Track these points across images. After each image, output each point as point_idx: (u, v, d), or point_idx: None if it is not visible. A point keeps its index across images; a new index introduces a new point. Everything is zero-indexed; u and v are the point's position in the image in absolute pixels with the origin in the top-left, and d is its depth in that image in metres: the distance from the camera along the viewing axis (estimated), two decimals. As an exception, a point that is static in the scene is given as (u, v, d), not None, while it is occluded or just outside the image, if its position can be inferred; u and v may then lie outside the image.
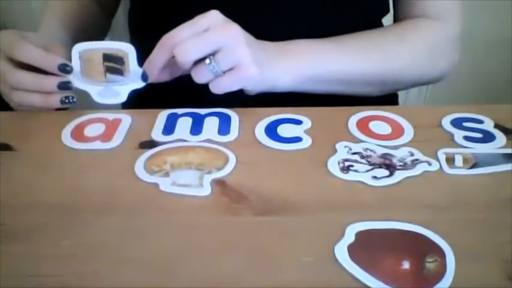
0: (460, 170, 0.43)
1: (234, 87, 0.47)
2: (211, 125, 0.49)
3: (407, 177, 0.42)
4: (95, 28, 0.68)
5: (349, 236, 0.36)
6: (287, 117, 0.50)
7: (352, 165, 0.43)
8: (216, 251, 0.35)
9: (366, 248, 0.35)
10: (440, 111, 0.52)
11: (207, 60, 0.46)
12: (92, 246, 0.35)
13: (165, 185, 0.41)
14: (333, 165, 0.43)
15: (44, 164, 0.44)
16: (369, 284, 0.32)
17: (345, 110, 0.52)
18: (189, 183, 0.41)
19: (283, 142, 0.47)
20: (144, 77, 0.49)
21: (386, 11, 0.63)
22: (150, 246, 0.35)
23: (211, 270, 0.33)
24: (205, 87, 0.49)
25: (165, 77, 0.50)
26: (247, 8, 0.53)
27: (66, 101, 0.49)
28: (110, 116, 0.51)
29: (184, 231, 0.37)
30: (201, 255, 0.35)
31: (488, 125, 0.50)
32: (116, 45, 0.49)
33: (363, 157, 0.45)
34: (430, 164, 0.44)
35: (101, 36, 0.71)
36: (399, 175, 0.42)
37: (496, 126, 0.49)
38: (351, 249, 0.35)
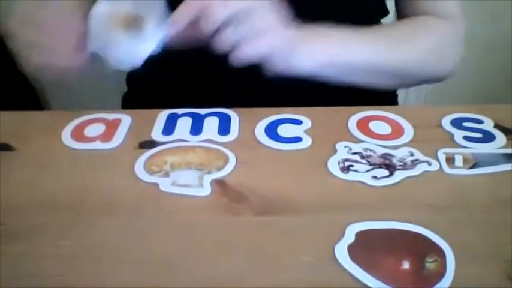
0: (460, 170, 0.43)
1: (256, 55, 0.46)
2: (211, 125, 0.49)
3: (407, 177, 0.42)
4: None
5: (349, 236, 0.36)
6: (287, 117, 0.50)
7: (352, 165, 0.43)
8: (216, 251, 0.35)
9: (366, 248, 0.35)
10: (440, 111, 0.52)
11: (237, 26, 0.45)
12: (92, 246, 0.35)
13: (165, 185, 0.41)
14: (333, 165, 0.43)
15: (44, 164, 0.44)
16: (369, 284, 0.32)
17: (345, 110, 0.52)
18: (189, 183, 0.41)
19: (283, 142, 0.47)
20: (165, 38, 0.46)
21: (386, 13, 0.63)
22: (150, 246, 0.35)
23: (211, 270, 0.33)
24: (205, 87, 0.49)
25: (183, 38, 0.47)
26: None
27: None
28: (110, 116, 0.51)
29: (184, 231, 0.37)
30: (201, 255, 0.35)
31: (488, 125, 0.50)
32: (139, 4, 0.46)
33: (363, 157, 0.45)
34: (430, 164, 0.44)
35: None
36: (399, 175, 0.42)
37: (496, 126, 0.49)
38: (351, 249, 0.35)
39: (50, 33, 0.46)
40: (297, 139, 0.47)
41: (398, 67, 0.55)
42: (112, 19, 0.46)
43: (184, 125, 0.49)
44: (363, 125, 0.49)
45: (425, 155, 0.45)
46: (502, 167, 0.44)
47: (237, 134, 0.48)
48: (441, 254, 0.34)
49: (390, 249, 0.35)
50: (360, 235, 0.36)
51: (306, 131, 0.48)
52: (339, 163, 0.44)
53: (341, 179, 0.42)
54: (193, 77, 0.56)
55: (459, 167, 0.44)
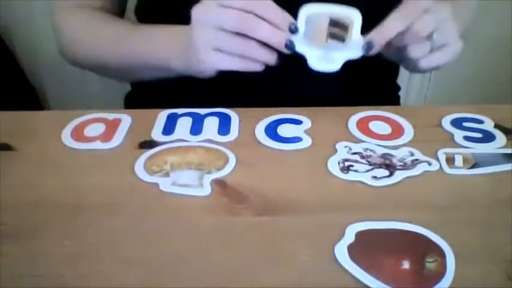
0: (460, 170, 0.43)
1: (443, 61, 0.50)
2: (211, 125, 0.49)
3: (407, 177, 0.42)
4: None
5: (349, 236, 0.36)
6: (287, 117, 0.50)
7: (352, 165, 0.43)
8: (216, 251, 0.35)
9: (366, 248, 0.35)
10: (440, 111, 0.52)
11: (434, 36, 0.48)
12: (92, 246, 0.35)
13: (165, 185, 0.41)
14: (333, 165, 0.43)
15: (44, 164, 0.44)
16: (369, 284, 0.32)
17: (345, 110, 0.52)
18: (189, 183, 0.41)
19: (283, 142, 0.47)
20: (369, 46, 0.47)
21: None
22: (150, 246, 0.35)
23: (211, 270, 0.33)
24: (205, 87, 0.49)
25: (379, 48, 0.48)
26: None
27: (289, 43, 0.46)
28: (110, 116, 0.51)
29: (184, 231, 0.37)
30: (201, 255, 0.35)
31: (488, 125, 0.50)
32: (344, 11, 0.47)
33: (363, 157, 0.45)
34: (430, 164, 0.44)
35: None
36: (399, 175, 0.42)
37: (496, 126, 0.49)
38: (351, 249, 0.35)
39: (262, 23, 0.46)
40: (297, 139, 0.47)
41: (463, 30, 0.59)
42: (320, 21, 0.47)
43: (184, 125, 0.49)
44: (363, 125, 0.49)
45: (425, 155, 0.45)
46: (502, 167, 0.44)
47: (237, 134, 0.48)
48: (441, 254, 0.34)
49: (390, 249, 0.35)
50: (360, 235, 0.36)
51: (306, 131, 0.48)
52: (339, 163, 0.44)
53: (341, 179, 0.42)
54: (194, 76, 0.56)
55: (459, 167, 0.44)
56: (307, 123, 0.50)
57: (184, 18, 0.47)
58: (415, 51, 0.48)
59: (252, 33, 0.45)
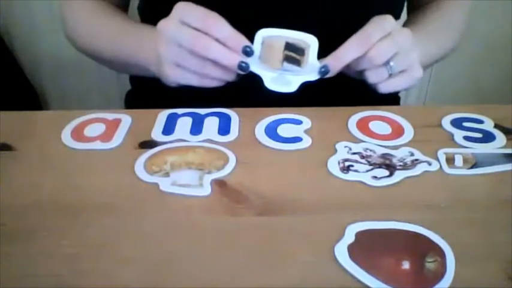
0: (460, 170, 0.43)
1: (403, 87, 0.52)
2: (211, 125, 0.49)
3: (407, 177, 0.42)
4: None
5: (349, 236, 0.36)
6: (287, 117, 0.50)
7: (352, 165, 0.43)
8: (216, 251, 0.35)
9: (366, 248, 0.35)
10: (440, 111, 0.52)
11: (391, 62, 0.49)
12: (91, 246, 0.35)
13: (165, 185, 0.41)
14: (333, 165, 0.43)
15: (44, 164, 0.44)
16: (369, 284, 0.32)
17: (345, 110, 0.52)
18: (189, 183, 0.41)
19: (283, 142, 0.47)
20: (324, 71, 0.48)
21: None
22: (150, 246, 0.35)
23: (211, 270, 0.33)
24: (205, 87, 0.49)
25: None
26: (253, 12, 0.53)
27: (243, 65, 0.47)
28: (109, 116, 0.51)
29: (184, 231, 0.37)
30: (201, 255, 0.35)
31: (488, 125, 0.50)
32: (300, 35, 0.48)
33: (363, 157, 0.45)
34: (430, 164, 0.44)
35: None
36: (399, 175, 0.42)
37: (496, 126, 0.49)
38: (351, 249, 0.35)
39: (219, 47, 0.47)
40: (297, 139, 0.47)
41: (443, 54, 0.62)
42: (276, 45, 0.48)
43: (184, 125, 0.49)
44: (362, 125, 0.49)
45: (425, 155, 0.45)
46: (502, 167, 0.44)
47: (237, 134, 0.48)
48: (441, 254, 0.34)
49: (390, 249, 0.35)
50: (359, 235, 0.36)
51: (306, 131, 0.48)
52: (339, 163, 0.44)
53: (341, 179, 0.42)
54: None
55: (459, 167, 0.44)
56: (307, 123, 0.50)
57: None
58: (372, 76, 0.50)
59: (205, 53, 0.47)
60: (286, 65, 0.49)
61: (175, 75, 0.49)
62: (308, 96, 0.50)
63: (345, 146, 0.46)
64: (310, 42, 0.48)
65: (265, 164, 0.44)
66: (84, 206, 0.39)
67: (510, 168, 0.43)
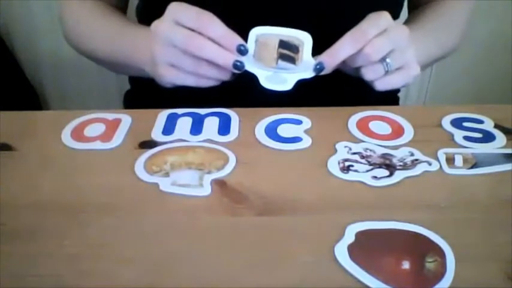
0: (460, 170, 0.43)
1: (400, 84, 0.51)
2: (211, 125, 0.49)
3: (407, 177, 0.42)
4: None
5: (349, 236, 0.36)
6: (287, 117, 0.50)
7: (352, 165, 0.43)
8: (216, 251, 0.35)
9: (366, 248, 0.35)
10: (440, 111, 0.52)
11: (388, 59, 0.49)
12: (91, 246, 0.35)
13: (165, 185, 0.41)
14: (333, 165, 0.43)
15: (44, 164, 0.44)
16: (369, 284, 0.32)
17: (345, 110, 0.52)
18: (189, 183, 0.41)
19: (283, 142, 0.47)
20: (319, 68, 0.48)
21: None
22: (150, 246, 0.35)
23: (211, 270, 0.33)
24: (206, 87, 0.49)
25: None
26: (247, 10, 0.53)
27: (238, 64, 0.47)
28: (109, 116, 0.51)
29: (184, 231, 0.37)
30: (201, 255, 0.35)
31: (488, 125, 0.50)
32: (294, 33, 0.48)
33: (363, 157, 0.45)
34: (430, 164, 0.44)
35: None
36: (399, 175, 0.42)
37: (496, 126, 0.49)
38: (351, 249, 0.35)
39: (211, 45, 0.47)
40: (297, 139, 0.47)
41: (443, 53, 0.62)
42: (270, 43, 0.48)
43: (184, 125, 0.49)
44: (362, 125, 0.49)
45: (425, 155, 0.45)
46: (502, 167, 0.44)
47: (237, 134, 0.48)
48: (441, 254, 0.34)
49: (390, 249, 0.35)
50: (359, 235, 0.36)
51: (306, 131, 0.48)
52: (339, 163, 0.44)
53: (341, 179, 0.42)
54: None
55: (459, 167, 0.44)
56: (307, 123, 0.50)
57: None
58: (368, 73, 0.50)
59: (199, 53, 0.47)
60: (280, 63, 0.49)
61: (170, 76, 0.49)
62: (305, 94, 0.50)
63: (345, 146, 0.46)
64: (303, 39, 0.48)
65: (265, 164, 0.44)
66: (84, 206, 0.39)
67: (510, 168, 0.43)
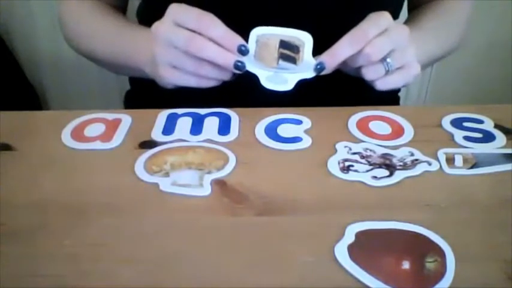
0: (460, 170, 0.43)
1: (400, 84, 0.51)
2: (211, 125, 0.49)
3: (407, 177, 0.42)
4: None
5: (349, 236, 0.36)
6: (287, 117, 0.50)
7: (352, 165, 0.43)
8: (216, 251, 0.35)
9: (366, 248, 0.35)
10: (440, 111, 0.52)
11: (388, 59, 0.49)
12: (92, 246, 0.35)
13: (165, 185, 0.41)
14: (333, 165, 0.43)
15: (44, 164, 0.44)
16: (369, 284, 0.32)
17: (345, 110, 0.52)
18: (189, 183, 0.41)
19: (283, 142, 0.47)
20: (320, 68, 0.48)
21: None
22: (150, 246, 0.35)
23: (211, 270, 0.34)
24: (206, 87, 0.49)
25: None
26: (248, 11, 0.54)
27: (239, 64, 0.47)
28: (109, 116, 0.51)
29: (184, 231, 0.37)
30: (201, 255, 0.35)
31: (488, 125, 0.50)
32: (294, 33, 0.48)
33: (363, 157, 0.45)
34: (430, 164, 0.44)
35: None
36: (399, 175, 0.42)
37: (496, 126, 0.49)
38: (351, 249, 0.35)
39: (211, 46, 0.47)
40: (297, 139, 0.47)
41: (443, 53, 0.62)
42: (271, 43, 0.48)
43: (184, 125, 0.49)
44: (362, 125, 0.49)
45: (425, 155, 0.45)
46: (502, 167, 0.44)
47: (237, 134, 0.48)
48: (441, 254, 0.34)
49: (390, 249, 0.35)
50: (359, 235, 0.36)
51: (306, 131, 0.48)
52: (339, 163, 0.44)
53: (341, 179, 0.42)
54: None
55: (459, 167, 0.44)
56: (307, 123, 0.50)
57: None
58: (368, 73, 0.50)
59: (200, 54, 0.47)
60: (281, 63, 0.49)
61: (170, 77, 0.49)
62: (305, 94, 0.50)
63: (345, 146, 0.46)
64: (304, 39, 0.48)
65: (265, 164, 0.44)
66: (84, 206, 0.39)
67: (510, 168, 0.43)
